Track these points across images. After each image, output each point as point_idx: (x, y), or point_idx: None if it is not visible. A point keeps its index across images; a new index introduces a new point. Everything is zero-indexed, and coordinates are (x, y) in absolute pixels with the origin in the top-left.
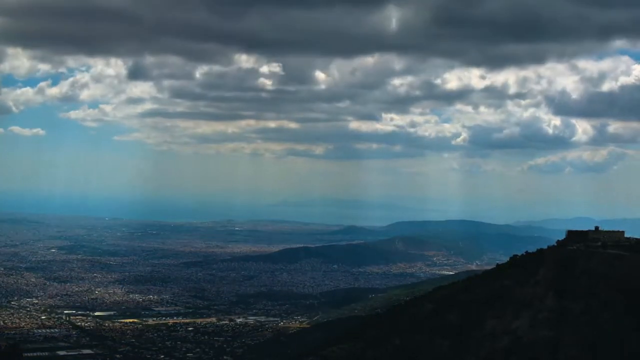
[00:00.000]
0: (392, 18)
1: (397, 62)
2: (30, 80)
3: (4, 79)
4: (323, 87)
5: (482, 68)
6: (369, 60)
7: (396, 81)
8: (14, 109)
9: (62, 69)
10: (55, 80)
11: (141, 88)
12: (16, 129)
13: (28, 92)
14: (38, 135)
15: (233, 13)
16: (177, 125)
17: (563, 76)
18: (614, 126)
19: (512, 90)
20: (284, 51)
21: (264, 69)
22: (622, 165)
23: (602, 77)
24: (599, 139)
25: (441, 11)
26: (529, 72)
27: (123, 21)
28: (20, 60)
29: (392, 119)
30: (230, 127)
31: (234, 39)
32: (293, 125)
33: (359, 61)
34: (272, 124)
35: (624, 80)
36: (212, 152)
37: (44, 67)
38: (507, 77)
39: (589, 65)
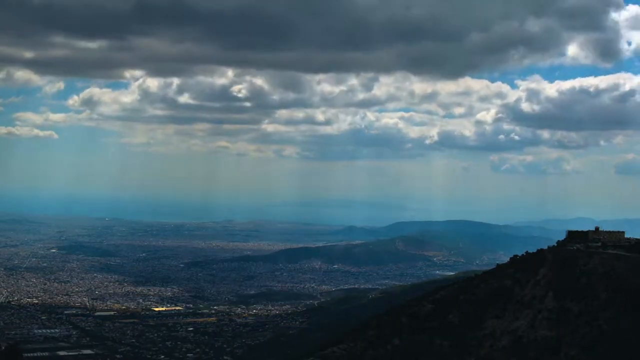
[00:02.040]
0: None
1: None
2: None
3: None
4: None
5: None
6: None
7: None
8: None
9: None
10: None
11: (136, 97)
12: (14, 130)
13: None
14: (37, 137)
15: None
16: (176, 128)
17: None
18: None
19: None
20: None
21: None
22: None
23: None
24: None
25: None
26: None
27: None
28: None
29: (378, 122)
30: (227, 130)
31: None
32: (284, 128)
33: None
34: (264, 128)
35: None
36: (211, 154)
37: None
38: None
39: None
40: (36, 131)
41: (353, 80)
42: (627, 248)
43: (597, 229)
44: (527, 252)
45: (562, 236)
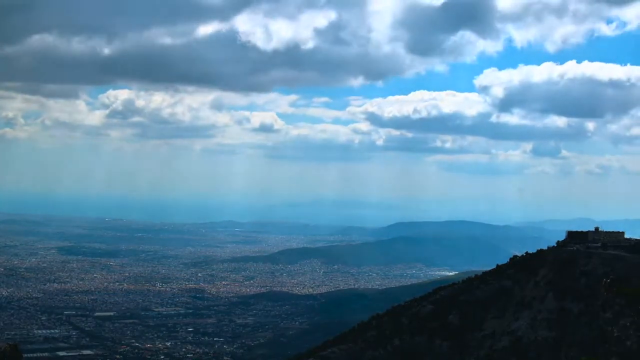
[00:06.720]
0: None
1: None
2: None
3: None
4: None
5: None
6: None
7: None
8: None
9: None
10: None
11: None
12: (10, 131)
13: None
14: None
15: None
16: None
17: None
18: None
19: None
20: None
21: None
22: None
23: None
24: None
25: None
26: None
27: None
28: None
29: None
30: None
31: None
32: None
33: None
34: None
35: None
36: (210, 154)
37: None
38: None
39: None
40: (36, 136)
41: None
42: (627, 248)
43: (596, 229)
44: (527, 253)
45: (562, 236)
